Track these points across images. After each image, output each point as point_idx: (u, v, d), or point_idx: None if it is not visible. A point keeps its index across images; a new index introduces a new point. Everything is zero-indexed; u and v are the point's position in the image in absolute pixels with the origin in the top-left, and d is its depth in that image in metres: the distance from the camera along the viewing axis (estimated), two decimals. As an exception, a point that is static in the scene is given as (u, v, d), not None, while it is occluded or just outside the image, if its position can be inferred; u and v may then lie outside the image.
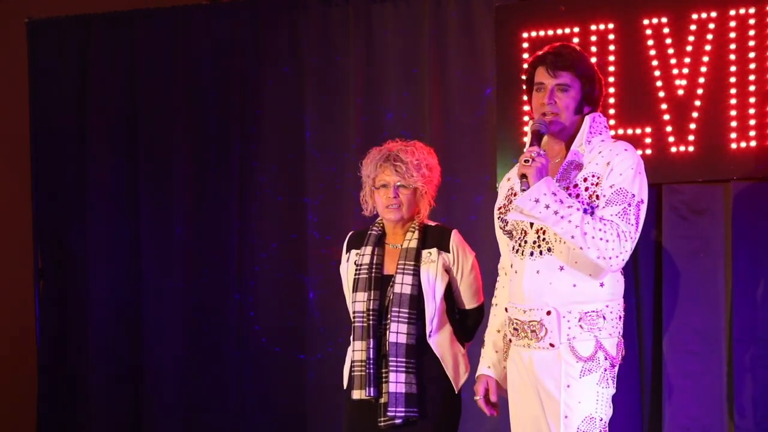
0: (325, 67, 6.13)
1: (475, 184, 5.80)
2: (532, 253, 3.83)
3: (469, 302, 4.51)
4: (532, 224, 3.84)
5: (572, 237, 3.67)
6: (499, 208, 3.99)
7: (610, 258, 3.68)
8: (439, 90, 5.88)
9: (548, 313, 3.78)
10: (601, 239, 3.66)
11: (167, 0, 6.48)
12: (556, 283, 3.78)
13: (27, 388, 6.69)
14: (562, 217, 3.66)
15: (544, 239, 3.81)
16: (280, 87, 6.22)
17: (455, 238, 4.47)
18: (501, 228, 3.98)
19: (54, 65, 6.59)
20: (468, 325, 4.54)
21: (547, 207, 3.66)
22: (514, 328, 3.90)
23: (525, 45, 5.57)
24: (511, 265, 3.95)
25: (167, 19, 6.41)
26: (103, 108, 6.49)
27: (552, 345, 3.78)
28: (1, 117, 6.91)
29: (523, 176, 3.71)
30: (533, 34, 5.57)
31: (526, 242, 3.86)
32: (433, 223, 4.53)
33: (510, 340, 3.97)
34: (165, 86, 6.40)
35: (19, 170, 6.76)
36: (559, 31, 5.51)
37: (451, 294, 4.47)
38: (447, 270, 4.44)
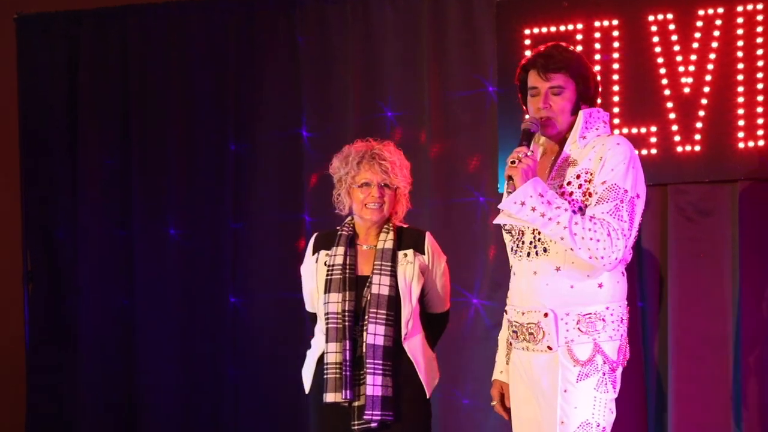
0: (322, 64, 6.17)
1: (477, 184, 5.84)
2: (528, 254, 3.88)
3: (438, 306, 4.61)
4: None
5: (561, 239, 3.72)
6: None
7: (602, 258, 3.71)
8: (439, 87, 5.92)
9: (545, 315, 3.81)
10: (591, 239, 3.69)
11: (160, -5, 6.50)
12: (553, 285, 3.82)
13: (16, 392, 6.70)
14: (549, 219, 3.70)
15: (540, 239, 3.85)
16: (276, 84, 6.26)
17: (430, 240, 4.55)
18: (503, 228, 4.02)
19: (44, 62, 6.59)
20: (436, 329, 4.64)
21: (534, 209, 3.70)
22: (513, 331, 3.94)
23: (527, 42, 5.61)
24: (511, 266, 3.99)
25: (160, 15, 6.41)
26: (95, 106, 6.51)
27: (550, 348, 3.81)
28: (-12, 115, 6.92)
29: (509, 178, 3.76)
30: (535, 30, 5.62)
31: (523, 243, 3.90)
32: (406, 225, 4.59)
33: (510, 343, 4.02)
34: (158, 83, 6.43)
35: (7, 170, 6.75)
36: (562, 28, 5.57)
37: (422, 297, 4.54)
38: (423, 272, 4.50)
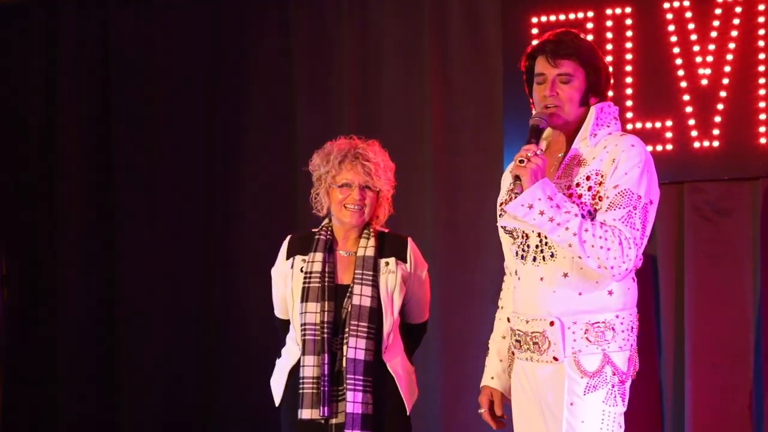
0: (317, 55, 6.15)
1: (480, 183, 5.79)
2: (534, 259, 3.82)
3: (417, 317, 4.57)
4: None
5: (569, 245, 3.65)
6: (501, 204, 3.96)
7: (612, 267, 3.65)
8: (440, 80, 5.89)
9: (551, 323, 3.75)
10: (601, 248, 3.63)
11: (146, -22, 6.53)
12: (560, 292, 3.76)
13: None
14: (558, 224, 3.63)
15: (546, 244, 3.78)
16: (268, 76, 6.26)
17: (412, 247, 4.52)
18: (502, 227, 3.96)
19: (20, 53, 6.61)
20: (414, 341, 4.60)
21: (542, 213, 3.63)
22: (516, 340, 3.88)
23: (534, 31, 5.58)
24: (516, 271, 3.93)
25: (146, 2, 6.41)
26: (75, 99, 6.53)
27: (555, 359, 3.76)
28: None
29: (517, 178, 3.70)
30: (543, 19, 5.59)
31: (528, 247, 3.84)
32: (386, 230, 4.54)
33: (513, 353, 3.96)
34: (144, 74, 6.44)
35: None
36: (572, 16, 5.54)
37: (402, 307, 4.49)
38: (405, 281, 4.45)
